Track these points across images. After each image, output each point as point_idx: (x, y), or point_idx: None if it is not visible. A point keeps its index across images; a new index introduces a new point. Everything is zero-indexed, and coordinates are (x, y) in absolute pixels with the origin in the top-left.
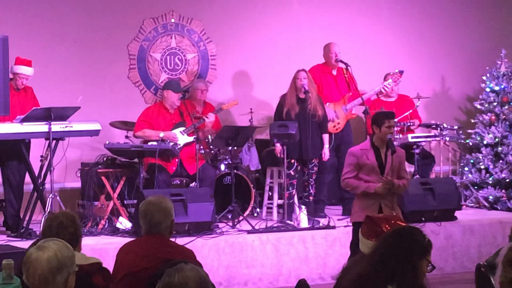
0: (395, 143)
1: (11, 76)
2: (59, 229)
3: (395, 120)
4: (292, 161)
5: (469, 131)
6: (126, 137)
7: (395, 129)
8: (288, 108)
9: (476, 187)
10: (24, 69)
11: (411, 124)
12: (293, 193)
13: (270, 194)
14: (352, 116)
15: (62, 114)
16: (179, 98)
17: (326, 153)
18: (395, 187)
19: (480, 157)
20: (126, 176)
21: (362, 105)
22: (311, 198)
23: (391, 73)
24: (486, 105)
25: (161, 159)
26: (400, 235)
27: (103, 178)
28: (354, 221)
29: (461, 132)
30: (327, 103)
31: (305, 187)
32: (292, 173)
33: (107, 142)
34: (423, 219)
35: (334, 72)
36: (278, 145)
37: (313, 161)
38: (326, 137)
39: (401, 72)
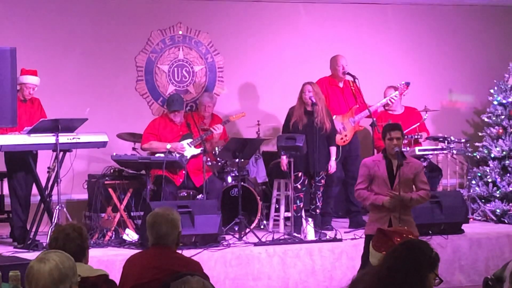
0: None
1: (17, 87)
2: (65, 240)
3: (406, 134)
4: (299, 174)
5: (477, 144)
6: (133, 149)
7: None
8: (295, 120)
9: (483, 201)
10: (31, 78)
11: (419, 137)
12: (301, 206)
13: (277, 206)
14: (359, 128)
15: (70, 125)
16: (177, 113)
17: (332, 165)
18: (405, 200)
19: (488, 171)
20: (133, 188)
21: (370, 117)
22: (318, 211)
23: (398, 85)
24: (494, 118)
25: (168, 171)
26: (407, 248)
27: (110, 190)
28: (366, 233)
29: (468, 145)
30: (334, 116)
31: (312, 200)
32: (299, 186)
33: (114, 154)
34: (430, 232)
35: (341, 85)
36: (284, 157)
37: (320, 173)
38: (333, 149)
39: (407, 84)
